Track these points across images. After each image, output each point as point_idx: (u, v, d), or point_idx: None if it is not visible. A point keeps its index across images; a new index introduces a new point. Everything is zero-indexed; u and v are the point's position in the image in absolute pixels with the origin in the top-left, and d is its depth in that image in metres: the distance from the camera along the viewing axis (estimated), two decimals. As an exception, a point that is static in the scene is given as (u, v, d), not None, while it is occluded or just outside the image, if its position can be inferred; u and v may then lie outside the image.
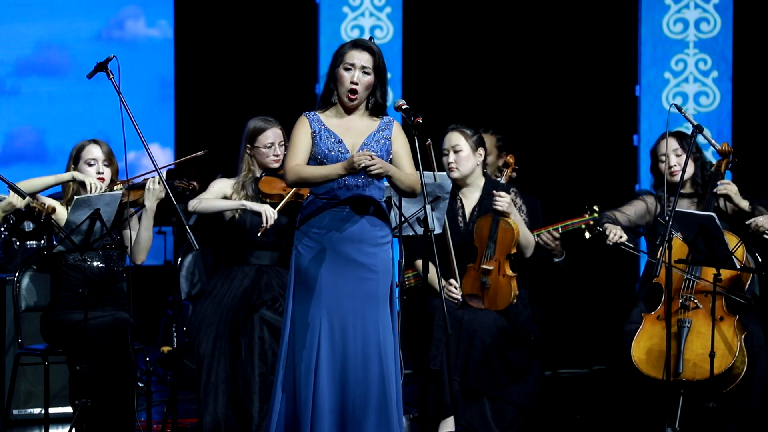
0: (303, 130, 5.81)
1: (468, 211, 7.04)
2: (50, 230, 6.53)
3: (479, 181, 7.06)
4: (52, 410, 6.96)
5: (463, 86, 10.41)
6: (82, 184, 6.50)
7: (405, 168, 5.82)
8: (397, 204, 6.25)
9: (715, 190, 6.83)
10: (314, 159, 5.80)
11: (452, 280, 6.87)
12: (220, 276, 6.89)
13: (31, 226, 8.14)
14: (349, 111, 5.85)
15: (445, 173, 6.80)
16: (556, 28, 10.44)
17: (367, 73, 5.80)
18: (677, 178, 6.85)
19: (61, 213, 6.49)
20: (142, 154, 9.51)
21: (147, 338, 7.74)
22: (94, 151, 6.64)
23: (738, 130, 10.33)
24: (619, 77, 10.40)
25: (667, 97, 10.35)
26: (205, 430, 6.64)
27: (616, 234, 6.78)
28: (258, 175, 6.91)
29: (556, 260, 7.27)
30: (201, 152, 6.92)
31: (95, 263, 6.61)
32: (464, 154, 6.97)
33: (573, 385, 8.90)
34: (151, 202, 6.57)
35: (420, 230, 6.36)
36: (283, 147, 6.88)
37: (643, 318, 6.71)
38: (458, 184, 7.02)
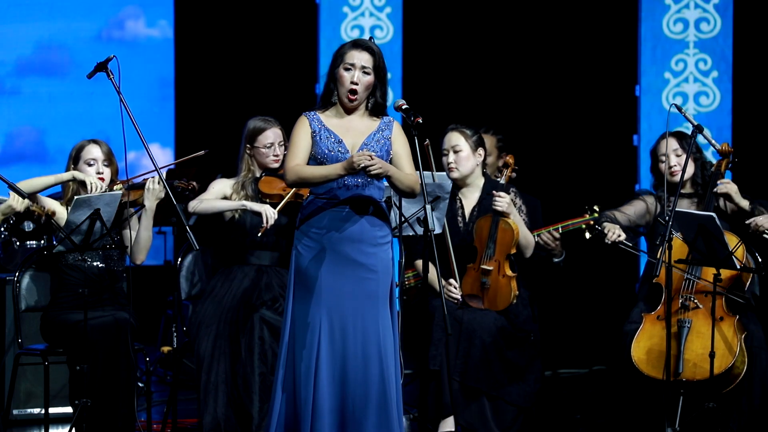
0: (303, 130, 5.82)
1: (467, 211, 7.04)
2: (50, 230, 6.53)
3: (479, 182, 7.06)
4: (52, 410, 6.96)
5: (463, 86, 10.41)
6: (83, 183, 6.50)
7: (405, 168, 5.82)
8: (397, 204, 6.25)
9: (715, 189, 6.83)
10: (314, 159, 5.80)
11: (452, 280, 6.87)
12: (220, 276, 6.89)
13: (31, 226, 8.14)
14: (349, 111, 5.85)
15: (443, 173, 6.80)
16: (556, 29, 10.44)
17: (367, 73, 5.80)
18: (677, 178, 6.85)
19: (61, 213, 6.49)
20: (142, 154, 9.51)
21: (147, 338, 7.74)
22: (94, 151, 6.64)
23: (738, 130, 10.33)
24: (619, 77, 10.40)
25: (667, 97, 10.35)
26: (205, 430, 6.64)
27: (614, 233, 6.78)
28: (258, 175, 6.91)
29: (556, 260, 7.27)
30: (202, 152, 6.92)
31: (95, 263, 6.61)
32: (464, 154, 6.97)
33: (573, 385, 8.90)
34: (150, 202, 6.57)
35: (420, 230, 6.36)
36: (283, 147, 6.88)
37: (643, 318, 6.71)
38: (458, 185, 7.01)
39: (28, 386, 7.42)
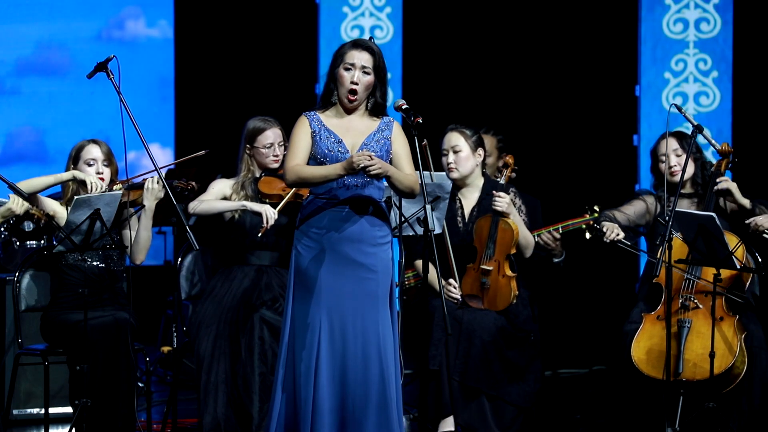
0: (303, 130, 5.82)
1: (467, 211, 7.04)
2: (50, 230, 6.53)
3: (478, 182, 7.06)
4: (52, 410, 6.96)
5: (463, 86, 10.41)
6: (83, 183, 6.50)
7: (404, 168, 5.82)
8: (397, 204, 6.25)
9: (716, 188, 6.82)
10: (314, 159, 5.80)
11: (451, 280, 6.87)
12: (220, 276, 6.89)
13: (31, 226, 8.14)
14: (349, 111, 5.85)
15: (442, 173, 6.80)
16: (556, 29, 10.44)
17: (367, 73, 5.80)
18: (677, 178, 6.85)
19: (61, 213, 6.49)
20: (142, 154, 9.51)
21: (147, 338, 7.74)
22: (94, 151, 6.64)
23: (738, 130, 10.33)
24: (619, 77, 10.40)
25: (667, 97, 10.35)
26: (205, 430, 6.64)
27: (613, 232, 6.78)
28: (257, 175, 6.91)
29: (556, 260, 7.26)
30: (202, 152, 6.92)
31: (95, 263, 6.61)
32: (464, 154, 6.97)
33: (573, 385, 8.90)
34: (150, 202, 6.57)
35: (420, 230, 6.36)
36: (283, 147, 6.88)
37: (643, 318, 6.71)
38: (457, 185, 7.01)
39: (28, 386, 7.42)
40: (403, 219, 6.35)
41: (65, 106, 10.23)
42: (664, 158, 6.95)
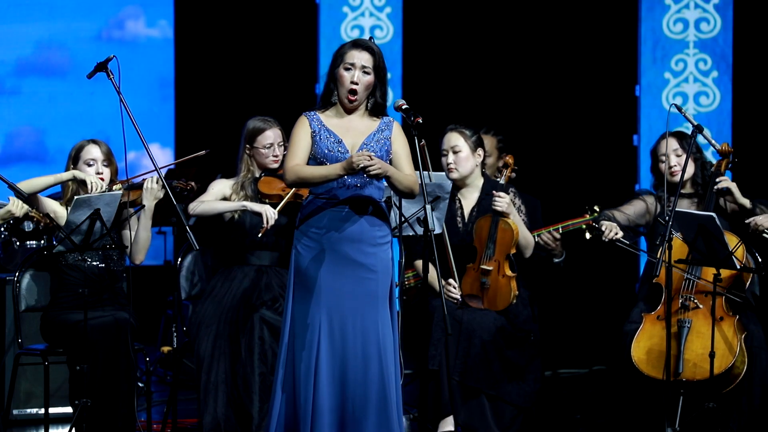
0: (303, 130, 5.82)
1: (467, 211, 7.04)
2: (50, 230, 6.53)
3: (478, 182, 7.05)
4: (52, 410, 6.95)
5: (463, 86, 10.41)
6: (83, 183, 6.50)
7: (404, 168, 5.82)
8: (397, 204, 6.25)
9: (716, 186, 6.82)
10: (314, 159, 5.80)
11: (451, 280, 6.87)
12: (219, 276, 6.89)
13: (31, 226, 8.14)
14: (349, 111, 5.85)
15: (441, 173, 6.80)
16: (556, 29, 10.44)
17: (367, 73, 5.80)
18: (677, 178, 6.85)
19: (61, 213, 6.49)
20: (142, 154, 9.51)
21: (147, 338, 7.74)
22: (93, 152, 6.64)
23: (738, 130, 10.33)
24: (619, 77, 10.40)
25: (667, 97, 10.35)
26: (205, 430, 6.64)
27: (611, 231, 6.79)
28: (257, 175, 6.91)
29: (556, 260, 7.26)
30: (203, 152, 6.92)
31: (95, 263, 6.61)
32: (463, 154, 6.97)
33: (573, 385, 8.90)
34: (149, 202, 6.57)
35: (420, 230, 6.36)
36: (282, 147, 6.88)
37: (643, 318, 6.71)
38: (457, 185, 7.01)
39: (28, 386, 7.42)
40: (403, 219, 6.35)
41: (65, 106, 10.23)
42: (664, 158, 6.95)
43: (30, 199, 6.33)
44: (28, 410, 7.45)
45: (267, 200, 6.79)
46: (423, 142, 6.60)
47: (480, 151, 7.02)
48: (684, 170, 6.71)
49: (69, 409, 7.06)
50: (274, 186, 6.81)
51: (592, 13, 10.42)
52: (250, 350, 6.64)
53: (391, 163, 5.82)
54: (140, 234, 6.61)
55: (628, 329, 6.74)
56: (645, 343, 6.62)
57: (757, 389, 6.63)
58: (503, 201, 6.85)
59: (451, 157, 6.97)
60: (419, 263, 7.00)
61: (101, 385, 6.34)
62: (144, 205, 6.57)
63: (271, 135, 6.90)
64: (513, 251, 6.89)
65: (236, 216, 6.85)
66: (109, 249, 6.51)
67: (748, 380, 6.59)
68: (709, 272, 6.44)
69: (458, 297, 6.85)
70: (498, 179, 7.11)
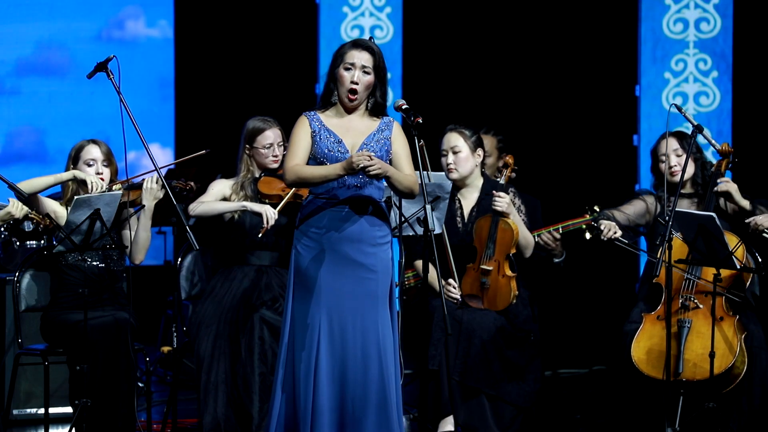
0: (303, 129, 5.82)
1: (466, 211, 7.04)
2: (50, 231, 6.53)
3: (478, 182, 7.05)
4: (52, 410, 6.95)
5: (463, 86, 10.41)
6: (83, 182, 6.50)
7: (404, 169, 5.82)
8: (397, 204, 6.25)
9: (716, 188, 6.83)
10: (314, 159, 5.80)
11: (451, 280, 6.87)
12: (219, 276, 6.89)
13: (31, 226, 8.14)
14: (349, 111, 5.85)
15: (441, 173, 6.79)
16: (556, 29, 10.44)
17: (368, 73, 5.80)
18: (677, 178, 6.85)
19: (61, 213, 6.49)
20: (142, 154, 9.50)
21: (147, 338, 7.74)
22: (93, 152, 6.64)
23: (738, 130, 10.33)
24: (619, 77, 10.39)
25: (667, 97, 10.35)
26: (205, 430, 6.64)
27: (610, 230, 6.79)
28: (257, 175, 6.91)
29: (556, 260, 7.26)
30: (203, 151, 6.92)
31: (95, 263, 6.61)
32: (463, 155, 6.97)
33: (573, 385, 8.90)
34: (149, 202, 6.57)
35: (420, 230, 6.36)
36: (282, 147, 6.88)
37: (643, 318, 6.71)
38: (457, 185, 7.01)
39: (28, 386, 7.42)
40: (403, 219, 6.35)
41: (65, 106, 10.22)
42: (664, 158, 6.95)
43: (30, 199, 6.34)
44: (28, 410, 7.45)
45: (267, 200, 6.79)
46: (422, 142, 6.60)
47: (480, 152, 7.02)
48: (684, 170, 6.71)
49: (69, 409, 7.06)
50: (274, 186, 6.81)
51: (592, 13, 10.42)
52: (250, 350, 6.63)
53: (391, 163, 5.82)
54: (140, 234, 6.61)
55: (628, 329, 6.74)
56: (645, 343, 6.62)
57: (757, 389, 6.63)
58: (503, 201, 6.85)
59: (450, 158, 6.97)
60: (419, 263, 7.00)
61: (101, 385, 6.34)
62: (144, 205, 6.57)
63: (271, 135, 6.90)
64: (513, 251, 6.89)
65: (236, 216, 6.85)
66: (109, 249, 6.50)
67: (748, 380, 6.59)
68: (709, 272, 6.44)
69: (458, 297, 6.85)
70: (498, 179, 7.11)
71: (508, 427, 6.79)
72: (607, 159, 10.39)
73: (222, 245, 6.96)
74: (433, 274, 6.53)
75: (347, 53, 5.80)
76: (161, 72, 10.47)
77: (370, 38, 5.94)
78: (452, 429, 6.64)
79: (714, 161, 7.04)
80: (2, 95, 10.19)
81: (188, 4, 10.46)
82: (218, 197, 6.87)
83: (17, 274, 6.90)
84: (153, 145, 9.90)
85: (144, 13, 10.46)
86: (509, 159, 7.10)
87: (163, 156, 10.35)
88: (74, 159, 6.65)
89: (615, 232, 6.79)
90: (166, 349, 8.12)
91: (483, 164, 7.10)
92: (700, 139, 6.95)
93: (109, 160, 6.66)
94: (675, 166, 6.94)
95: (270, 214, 6.66)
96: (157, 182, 6.55)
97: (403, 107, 5.88)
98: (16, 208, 6.21)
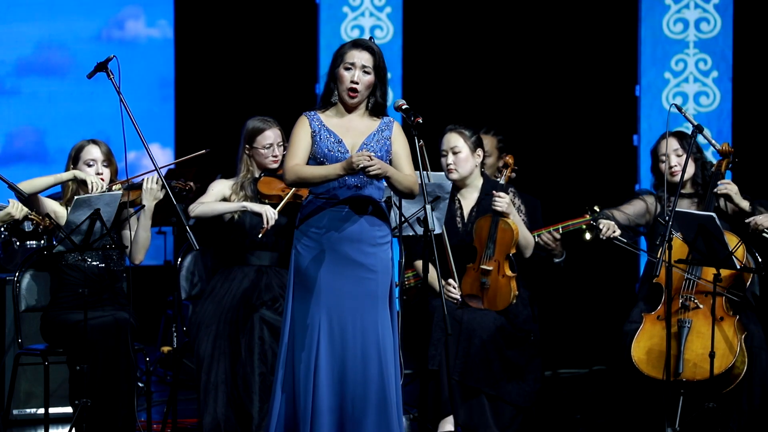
0: (303, 129, 5.81)
1: (466, 211, 7.04)
2: (50, 231, 6.53)
3: (477, 182, 7.05)
4: (52, 410, 6.95)
5: (463, 86, 10.41)
6: (84, 182, 6.50)
7: (404, 169, 5.82)
8: (397, 204, 6.25)
9: (715, 190, 6.83)
10: (314, 159, 5.80)
11: (451, 280, 6.87)
12: (219, 276, 6.89)
13: (31, 226, 8.15)
14: (349, 110, 5.85)
15: (440, 173, 6.79)
16: (556, 29, 10.44)
17: (368, 73, 5.80)
18: (677, 178, 6.85)
19: (61, 213, 6.49)
20: (142, 154, 9.50)
21: (147, 338, 7.74)
22: (93, 152, 6.63)
23: (738, 130, 10.33)
24: (619, 77, 10.40)
25: (667, 97, 10.35)
26: (205, 430, 6.64)
27: (609, 229, 6.79)
28: (257, 175, 6.91)
29: (557, 260, 7.26)
30: (203, 151, 6.92)
31: (95, 263, 6.61)
32: (463, 155, 6.97)
33: (573, 385, 8.90)
34: (149, 202, 6.57)
35: (420, 230, 6.36)
36: (282, 147, 6.88)
37: (643, 318, 6.71)
38: (456, 185, 7.01)
39: (28, 386, 7.42)
40: (403, 219, 6.35)
41: (65, 106, 10.22)
42: (664, 158, 6.95)
43: (30, 199, 6.34)
44: (28, 410, 7.45)
45: (266, 200, 6.79)
46: (422, 142, 6.60)
47: (479, 152, 7.02)
48: (684, 170, 6.71)
49: (69, 409, 7.06)
50: (274, 186, 6.81)
51: (592, 13, 10.42)
52: (250, 350, 6.63)
53: (391, 163, 5.82)
54: (140, 234, 6.61)
55: (628, 329, 6.74)
56: (645, 343, 6.62)
57: (757, 389, 6.63)
58: (503, 201, 6.85)
59: (450, 158, 6.97)
60: (419, 263, 7.00)
61: (101, 385, 6.34)
62: (144, 205, 6.57)
63: (271, 135, 6.90)
64: (513, 251, 6.89)
65: (236, 216, 6.85)
66: (109, 249, 6.50)
67: (748, 380, 6.59)
68: (709, 272, 6.44)
69: (458, 297, 6.85)
70: (498, 179, 7.11)
71: (507, 426, 6.79)
72: (607, 159, 10.40)
73: (222, 245, 6.96)
74: (433, 274, 6.53)
75: (347, 53, 5.80)
76: (161, 72, 10.47)
77: (370, 38, 5.94)
78: (452, 429, 6.64)
79: (714, 161, 7.04)
80: (2, 95, 10.19)
81: (188, 4, 10.46)
82: (218, 197, 6.87)
83: (17, 274, 6.90)
84: (153, 145, 9.90)
85: (144, 13, 10.46)
86: (509, 159, 7.10)
87: (163, 156, 10.35)
88: (74, 159, 6.65)
89: (614, 231, 6.79)
90: (166, 349, 8.12)
91: (483, 164, 7.10)
92: (700, 139, 6.96)
93: (109, 160, 6.66)
94: (675, 166, 6.94)
95: (270, 214, 6.66)
96: (157, 182, 6.55)
97: (403, 107, 5.88)
98: (16, 209, 6.22)
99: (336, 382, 5.72)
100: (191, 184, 6.77)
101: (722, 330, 6.52)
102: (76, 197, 6.25)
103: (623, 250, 6.88)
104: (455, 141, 6.96)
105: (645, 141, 10.27)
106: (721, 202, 6.91)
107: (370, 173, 5.62)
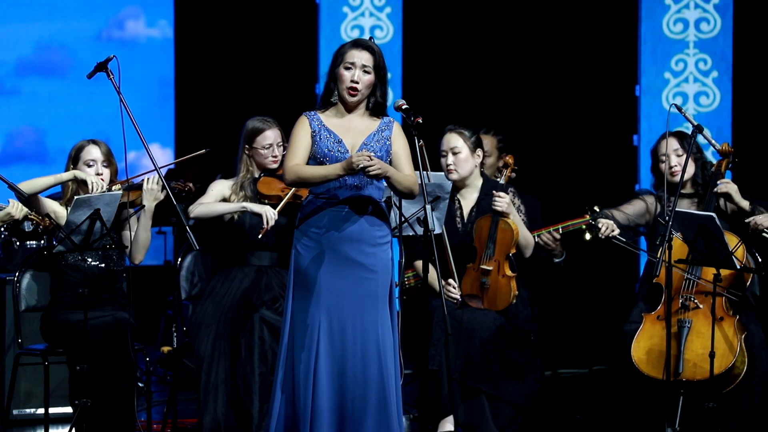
0: (303, 129, 5.81)
1: (466, 211, 7.03)
2: (50, 231, 6.53)
3: (477, 182, 7.05)
4: (52, 410, 6.95)
5: (463, 86, 10.41)
6: (84, 182, 6.50)
7: (404, 169, 5.82)
8: (397, 204, 6.25)
9: (715, 189, 6.83)
10: (314, 159, 5.80)
11: (451, 280, 6.87)
12: (219, 276, 6.89)
13: (31, 226, 8.15)
14: (349, 110, 5.85)
15: (440, 173, 6.79)
16: (556, 29, 10.44)
17: (368, 72, 5.80)
18: (678, 178, 6.85)
19: (61, 213, 6.49)
20: (142, 154, 9.50)
21: (147, 338, 7.74)
22: (93, 152, 6.63)
23: (738, 130, 10.33)
24: (619, 77, 10.40)
25: (667, 97, 10.35)
26: (205, 430, 6.64)
27: (608, 228, 6.79)
28: (256, 175, 6.91)
29: (557, 260, 7.26)
30: (203, 151, 6.92)
31: (95, 263, 6.61)
32: (463, 156, 6.97)
33: (573, 385, 8.90)
34: (149, 203, 6.57)
35: (420, 230, 6.36)
36: (282, 148, 6.87)
37: (643, 318, 6.71)
38: (456, 185, 7.01)
39: (28, 386, 7.42)
40: (403, 219, 6.35)
41: (65, 106, 10.22)
42: (664, 158, 6.95)
43: (30, 199, 6.34)
44: (28, 410, 7.45)
45: (266, 201, 6.78)
46: (422, 142, 6.60)
47: (479, 152, 7.02)
48: (684, 170, 6.71)
49: (69, 409, 7.06)
50: (274, 186, 6.81)
51: (592, 13, 10.42)
52: (250, 350, 6.63)
53: (391, 164, 5.82)
54: (140, 234, 6.61)
55: (628, 329, 6.74)
56: (645, 343, 6.62)
57: (757, 389, 6.63)
58: (503, 201, 6.85)
59: (450, 159, 6.96)
60: (419, 263, 7.00)
61: (101, 385, 6.34)
62: (144, 206, 6.57)
63: (271, 135, 6.89)
64: (513, 251, 6.89)
65: (236, 217, 6.85)
66: (109, 249, 6.50)
67: (748, 380, 6.59)
68: (709, 272, 6.44)
69: (458, 297, 6.85)
70: (498, 179, 7.11)
71: (507, 426, 6.79)
72: (607, 159, 10.40)
73: (222, 246, 6.96)
74: (433, 274, 6.53)
75: (347, 53, 5.80)
76: (161, 72, 10.47)
77: (370, 38, 5.94)
78: (452, 429, 6.64)
79: (714, 161, 7.04)
80: (2, 95, 10.19)
81: (188, 4, 10.46)
82: (218, 198, 6.87)
83: (17, 274, 6.90)
84: (153, 145, 9.90)
85: (144, 13, 10.46)
86: (509, 159, 7.10)
87: (163, 156, 10.35)
88: (74, 159, 6.65)
89: (613, 231, 6.79)
90: (166, 349, 8.12)
91: (482, 164, 7.10)
92: (700, 139, 6.95)
93: (109, 160, 6.66)
94: (675, 166, 6.94)
95: (270, 214, 6.66)
96: (157, 183, 6.55)
97: (403, 107, 5.88)
98: (16, 209, 6.22)
99: (336, 382, 5.72)
100: (190, 185, 6.77)
101: (722, 330, 6.52)
102: (76, 197, 6.25)
103: (623, 250, 6.88)
104: (455, 141, 6.95)
105: (645, 141, 10.27)
106: (721, 201, 6.91)
107: (370, 173, 5.62)
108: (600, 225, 6.80)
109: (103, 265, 6.62)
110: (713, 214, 6.33)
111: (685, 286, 6.67)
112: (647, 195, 7.11)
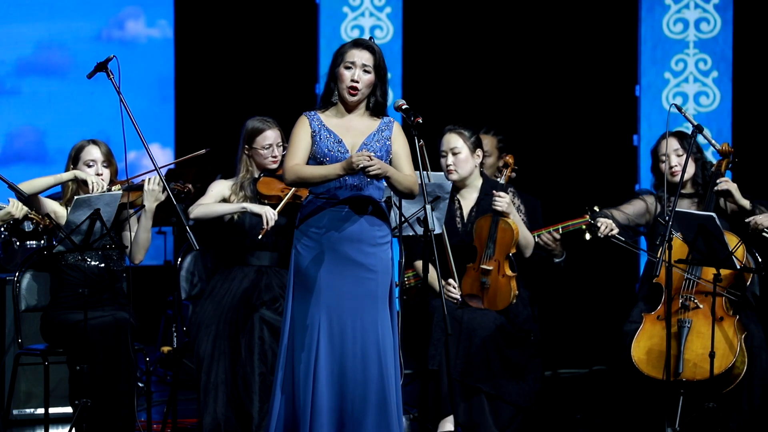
0: (303, 129, 5.81)
1: (466, 211, 7.03)
2: (50, 231, 6.53)
3: (477, 182, 7.05)
4: (52, 410, 6.95)
5: (463, 86, 10.41)
6: (84, 182, 6.50)
7: (404, 169, 5.82)
8: (397, 204, 6.25)
9: (716, 188, 6.83)
10: (314, 159, 5.80)
11: (451, 280, 6.87)
12: (219, 276, 6.89)
13: (31, 226, 8.14)
14: (349, 110, 5.85)
15: (440, 173, 6.79)
16: (556, 29, 10.44)
17: (368, 72, 5.80)
18: (678, 178, 6.85)
19: (61, 213, 6.49)
20: (142, 154, 9.50)
21: (147, 338, 7.74)
22: (93, 152, 6.63)
23: (738, 130, 10.33)
24: (619, 77, 10.40)
25: (667, 97, 10.35)
26: (205, 430, 6.64)
27: (607, 227, 6.80)
28: (256, 175, 6.91)
29: (557, 260, 7.26)
30: (203, 150, 6.92)
31: (95, 263, 6.61)
32: (463, 156, 6.96)
33: (573, 385, 8.90)
34: (150, 204, 6.57)
35: (420, 230, 6.36)
36: (281, 148, 6.87)
37: (643, 318, 6.71)
38: (456, 186, 7.01)
39: (28, 386, 7.42)
40: (403, 219, 6.35)
41: (65, 106, 10.22)
42: (664, 158, 6.95)
43: (30, 199, 6.34)
44: (28, 410, 7.45)
45: (266, 201, 6.78)
46: (422, 142, 6.60)
47: (479, 152, 7.02)
48: (684, 170, 6.71)
49: (69, 409, 7.06)
50: (273, 187, 6.81)
51: (592, 13, 10.42)
52: (250, 350, 6.63)
53: (391, 163, 5.82)
54: (140, 234, 6.61)
55: (628, 329, 6.74)
56: (645, 343, 6.62)
57: (757, 389, 6.63)
58: (503, 201, 6.85)
59: (450, 159, 6.96)
60: (419, 263, 7.00)
61: (101, 385, 6.34)
62: (144, 206, 6.57)
63: (270, 135, 6.89)
64: (513, 251, 6.89)
65: (236, 217, 6.85)
66: (109, 249, 6.50)
67: (748, 380, 6.59)
68: (709, 272, 6.44)
69: (458, 297, 6.85)
70: (498, 179, 7.11)
71: (507, 426, 6.79)
72: (607, 159, 10.40)
73: (222, 246, 6.96)
74: (433, 274, 6.53)
75: (348, 52, 5.80)
76: (161, 72, 10.47)
77: (370, 38, 5.94)
78: (452, 429, 6.64)
79: (714, 161, 7.04)
80: (2, 95, 10.19)
81: (188, 4, 10.47)
82: (217, 198, 6.87)
83: (17, 274, 6.90)
84: (153, 145, 9.90)
85: (144, 13, 10.46)
86: (509, 159, 7.10)
87: (163, 156, 10.35)
88: (74, 159, 6.65)
89: (612, 230, 6.79)
90: (166, 349, 8.12)
91: (482, 164, 7.10)
92: (700, 139, 6.96)
93: (109, 160, 6.66)
94: (675, 166, 6.94)
95: (270, 215, 6.66)
96: (158, 184, 6.55)
97: (403, 107, 5.88)
98: (16, 209, 6.22)
99: (336, 382, 5.72)
100: (189, 186, 6.77)
101: (722, 330, 6.52)
102: (76, 197, 6.25)
103: (623, 250, 6.88)
104: (455, 142, 6.95)
105: (645, 141, 10.27)
106: (721, 201, 6.91)
107: (370, 173, 5.62)
108: (599, 224, 6.80)
109: (103, 265, 6.62)
110: (713, 214, 6.34)
111: (685, 286, 6.67)
112: (647, 195, 7.11)
